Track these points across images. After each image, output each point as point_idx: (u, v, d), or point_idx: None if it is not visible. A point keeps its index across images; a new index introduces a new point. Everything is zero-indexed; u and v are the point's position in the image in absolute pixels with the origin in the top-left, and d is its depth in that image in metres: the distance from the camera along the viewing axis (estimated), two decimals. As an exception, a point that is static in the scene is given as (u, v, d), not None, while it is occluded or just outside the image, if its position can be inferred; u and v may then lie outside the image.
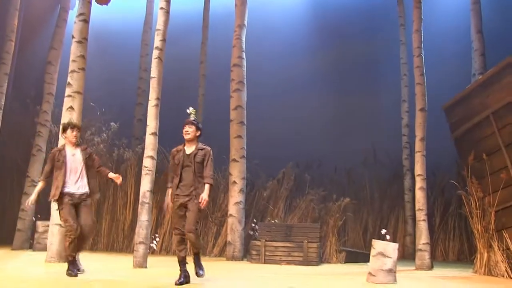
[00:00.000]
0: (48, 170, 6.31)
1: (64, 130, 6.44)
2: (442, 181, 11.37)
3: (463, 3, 11.79)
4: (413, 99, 9.56)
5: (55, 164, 6.23)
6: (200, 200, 5.59)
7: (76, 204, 6.17)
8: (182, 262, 5.73)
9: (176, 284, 5.51)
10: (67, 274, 6.03)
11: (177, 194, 5.73)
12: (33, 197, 6.28)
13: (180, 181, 5.74)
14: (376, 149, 12.12)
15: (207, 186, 5.70)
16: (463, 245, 10.68)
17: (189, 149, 5.82)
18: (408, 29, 11.34)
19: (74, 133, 6.36)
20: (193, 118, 5.95)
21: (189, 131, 5.83)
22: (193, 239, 5.60)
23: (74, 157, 6.27)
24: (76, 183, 6.20)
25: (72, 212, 6.10)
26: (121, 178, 6.50)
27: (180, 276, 5.63)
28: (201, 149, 5.82)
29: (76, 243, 6.09)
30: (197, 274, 5.66)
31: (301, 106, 13.17)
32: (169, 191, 5.83)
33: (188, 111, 6.03)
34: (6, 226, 11.91)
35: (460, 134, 8.31)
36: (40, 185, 6.37)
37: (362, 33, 13.39)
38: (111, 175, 6.45)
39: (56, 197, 6.11)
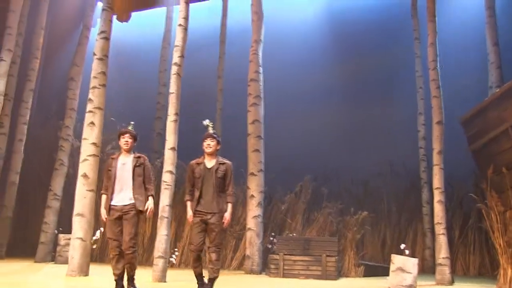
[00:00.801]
0: (106, 181, 5.82)
1: (118, 137, 5.97)
2: (460, 193, 11.14)
3: (478, 16, 11.61)
4: (429, 112, 9.41)
5: (108, 173, 5.81)
6: (223, 220, 5.51)
7: (120, 217, 5.62)
8: (200, 276, 5.63)
9: None
10: None
11: (198, 210, 5.60)
12: (102, 212, 5.74)
13: (200, 196, 5.63)
14: (393, 162, 11.94)
15: (230, 206, 5.61)
16: (484, 259, 10.39)
17: (210, 163, 5.71)
18: (423, 42, 11.20)
19: (125, 139, 5.86)
20: (212, 131, 5.87)
21: (211, 145, 5.73)
22: (215, 258, 5.48)
23: (124, 166, 5.77)
24: (120, 193, 5.68)
25: (114, 228, 5.61)
26: (149, 213, 5.74)
27: None
28: (222, 164, 5.70)
29: (120, 261, 5.63)
30: None
31: (318, 119, 13.09)
32: (189, 204, 5.70)
33: (204, 123, 5.96)
34: (30, 239, 11.98)
35: (478, 147, 8.13)
36: (103, 198, 5.79)
37: (377, 46, 13.30)
38: (148, 203, 5.71)
39: (107, 211, 5.66)
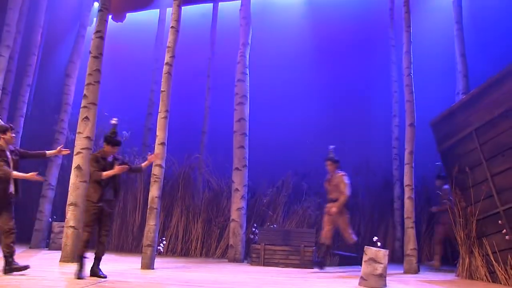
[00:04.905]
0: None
1: (4, 132, 6.15)
2: (428, 191, 11.38)
3: (448, 29, 11.76)
4: (402, 114, 9.60)
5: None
6: None
7: None
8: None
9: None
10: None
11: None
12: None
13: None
14: (369, 160, 12.12)
15: None
16: (447, 250, 10.65)
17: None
18: (399, 50, 11.38)
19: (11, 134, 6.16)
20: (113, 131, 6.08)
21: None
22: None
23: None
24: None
25: None
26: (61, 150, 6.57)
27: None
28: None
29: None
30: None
31: (300, 119, 13.19)
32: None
33: (111, 121, 6.08)
34: (25, 226, 11.94)
35: (446, 148, 8.35)
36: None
37: (357, 52, 13.44)
38: (50, 152, 6.64)
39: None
